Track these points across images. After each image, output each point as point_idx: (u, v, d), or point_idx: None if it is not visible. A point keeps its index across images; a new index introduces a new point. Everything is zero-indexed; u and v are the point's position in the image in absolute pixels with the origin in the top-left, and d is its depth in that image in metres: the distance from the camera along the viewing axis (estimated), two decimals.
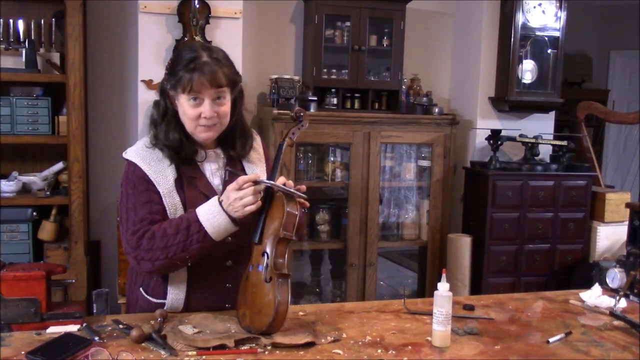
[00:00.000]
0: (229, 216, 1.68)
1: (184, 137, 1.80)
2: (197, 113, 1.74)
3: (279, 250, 1.68)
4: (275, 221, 1.69)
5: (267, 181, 1.72)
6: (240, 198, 1.66)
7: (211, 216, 1.69)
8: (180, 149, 1.79)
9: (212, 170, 1.87)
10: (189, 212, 1.74)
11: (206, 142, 1.84)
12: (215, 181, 1.86)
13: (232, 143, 1.88)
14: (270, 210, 1.73)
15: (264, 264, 1.68)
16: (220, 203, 1.69)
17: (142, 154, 1.80)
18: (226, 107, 1.79)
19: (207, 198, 1.76)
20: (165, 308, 1.81)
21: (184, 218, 1.72)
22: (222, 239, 1.74)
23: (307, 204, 1.76)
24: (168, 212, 1.77)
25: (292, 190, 1.71)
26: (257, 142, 2.00)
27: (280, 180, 1.72)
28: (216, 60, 1.74)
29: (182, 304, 1.83)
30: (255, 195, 1.67)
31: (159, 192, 1.76)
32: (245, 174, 1.86)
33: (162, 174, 1.78)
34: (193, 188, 1.81)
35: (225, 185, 1.82)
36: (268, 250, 1.68)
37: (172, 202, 1.77)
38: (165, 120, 1.80)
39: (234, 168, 1.88)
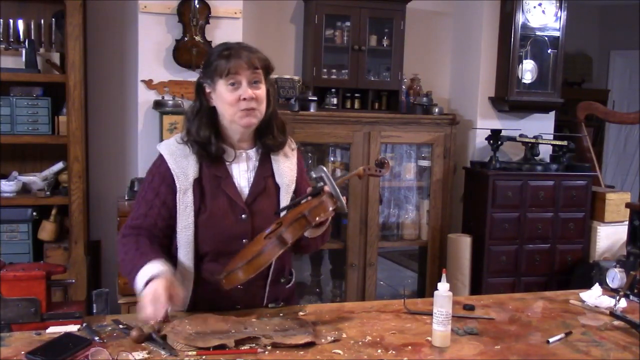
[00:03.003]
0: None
1: (214, 136, 1.84)
2: (236, 97, 1.78)
3: (293, 226, 1.66)
4: (308, 205, 1.70)
5: (328, 175, 1.74)
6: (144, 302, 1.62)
7: (141, 279, 1.68)
8: (209, 146, 1.83)
9: (240, 171, 1.89)
10: (146, 257, 1.72)
11: (247, 129, 1.85)
12: (242, 182, 1.88)
13: (272, 134, 1.91)
14: (311, 199, 1.75)
15: (273, 229, 1.69)
16: (147, 283, 1.67)
17: (172, 148, 1.86)
18: (262, 91, 1.83)
19: (229, 198, 1.83)
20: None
21: (140, 260, 1.71)
22: (239, 240, 1.81)
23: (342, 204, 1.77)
24: (178, 209, 1.81)
25: (339, 194, 1.72)
26: (293, 150, 2.00)
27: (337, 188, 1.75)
28: (248, 48, 1.82)
29: (187, 300, 1.83)
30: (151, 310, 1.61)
31: (175, 188, 1.81)
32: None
33: (183, 170, 1.82)
34: (216, 187, 1.84)
35: (252, 188, 1.87)
36: (285, 222, 1.68)
37: (185, 200, 1.81)
38: (198, 117, 1.85)
39: (265, 170, 1.90)
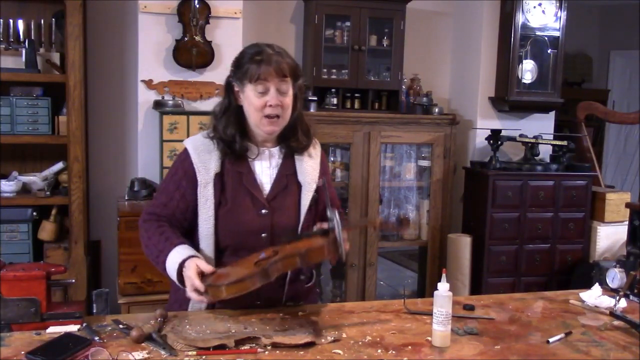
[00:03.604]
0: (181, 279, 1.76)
1: (239, 134, 1.87)
2: (262, 102, 1.81)
3: (283, 263, 1.67)
4: (309, 245, 1.71)
5: (338, 221, 1.70)
6: (189, 283, 1.73)
7: (171, 267, 1.78)
8: (234, 144, 1.86)
9: (263, 167, 1.92)
10: (170, 243, 1.80)
11: (270, 136, 1.89)
12: (264, 179, 1.91)
13: (295, 137, 1.93)
14: (316, 237, 1.75)
15: (267, 256, 1.70)
16: (183, 263, 1.74)
17: (197, 143, 1.90)
18: (289, 99, 1.85)
19: (250, 194, 1.86)
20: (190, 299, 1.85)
21: (165, 246, 1.80)
22: (258, 234, 1.84)
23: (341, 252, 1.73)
24: (199, 201, 1.85)
25: (342, 243, 1.69)
26: (317, 151, 2.01)
27: (344, 235, 1.72)
28: (279, 54, 1.83)
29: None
30: (194, 292, 1.71)
31: (196, 182, 1.85)
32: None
33: (205, 164, 1.86)
34: (238, 183, 1.87)
35: (274, 185, 1.89)
36: (280, 253, 1.69)
37: (205, 193, 1.85)
38: (226, 115, 1.88)
39: (288, 168, 1.92)
